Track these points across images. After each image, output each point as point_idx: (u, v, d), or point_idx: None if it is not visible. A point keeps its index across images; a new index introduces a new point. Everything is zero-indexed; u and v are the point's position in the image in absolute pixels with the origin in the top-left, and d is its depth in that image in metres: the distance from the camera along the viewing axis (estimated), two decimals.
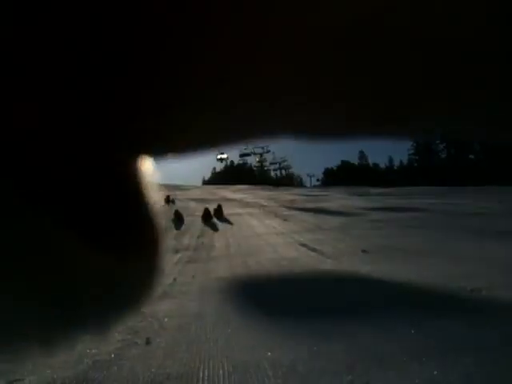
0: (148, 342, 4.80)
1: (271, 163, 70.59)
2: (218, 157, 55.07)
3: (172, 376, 3.72)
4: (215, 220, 19.21)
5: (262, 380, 3.49)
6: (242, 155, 50.16)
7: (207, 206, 20.37)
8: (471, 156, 64.73)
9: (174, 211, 19.84)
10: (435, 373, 3.38)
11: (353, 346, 4.14)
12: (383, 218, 18.27)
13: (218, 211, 21.38)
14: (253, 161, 68.32)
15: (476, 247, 9.98)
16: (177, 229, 16.96)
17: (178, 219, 18.67)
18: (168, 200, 25.01)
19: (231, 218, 18.50)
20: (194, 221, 18.01)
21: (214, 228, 17.12)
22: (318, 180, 79.01)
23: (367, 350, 4.13)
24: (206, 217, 19.75)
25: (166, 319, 5.86)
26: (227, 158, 55.80)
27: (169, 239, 15.00)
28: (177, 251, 12.75)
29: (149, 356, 4.33)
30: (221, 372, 3.75)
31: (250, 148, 49.58)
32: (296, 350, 4.25)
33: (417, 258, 9.46)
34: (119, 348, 4.68)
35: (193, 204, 24.91)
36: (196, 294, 7.66)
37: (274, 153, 69.27)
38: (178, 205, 22.98)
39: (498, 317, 4.83)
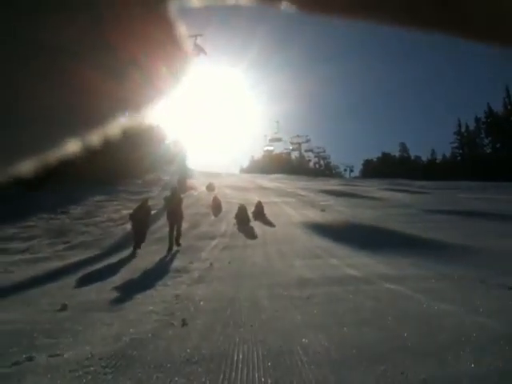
0: (184, 323, 4.87)
1: (306, 150, 69.51)
2: (265, 149, 54.99)
3: (207, 357, 3.77)
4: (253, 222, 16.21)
5: (295, 365, 3.48)
6: (272, 140, 49.34)
7: (242, 202, 17.84)
8: None
9: (212, 198, 19.86)
10: (472, 366, 3.28)
11: None
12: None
13: (258, 211, 17.48)
14: (283, 147, 67.40)
15: None
16: (215, 215, 17.07)
17: (216, 206, 18.73)
18: (211, 187, 25.31)
19: (267, 207, 18.44)
20: (230, 208, 18.11)
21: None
22: (352, 171, 77.52)
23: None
24: (242, 219, 15.89)
25: (201, 302, 5.93)
26: (273, 150, 55.40)
27: (206, 226, 15.18)
28: (213, 237, 12.90)
29: (184, 337, 4.40)
30: (255, 355, 3.76)
31: (280, 133, 49.02)
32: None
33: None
34: (156, 328, 4.78)
35: (229, 191, 25.08)
36: (231, 279, 7.73)
37: (310, 140, 68.20)
38: (216, 192, 23.16)
39: None
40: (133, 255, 10.76)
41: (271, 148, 54.92)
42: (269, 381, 3.15)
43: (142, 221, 11.63)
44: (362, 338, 4.14)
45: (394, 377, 3.13)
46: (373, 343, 3.96)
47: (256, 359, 3.67)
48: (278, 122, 50.24)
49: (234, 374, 3.34)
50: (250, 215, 16.81)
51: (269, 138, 48.33)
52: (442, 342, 3.90)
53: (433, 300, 5.50)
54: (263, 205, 17.72)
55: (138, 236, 11.50)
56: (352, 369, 3.32)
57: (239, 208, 16.54)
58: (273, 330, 4.50)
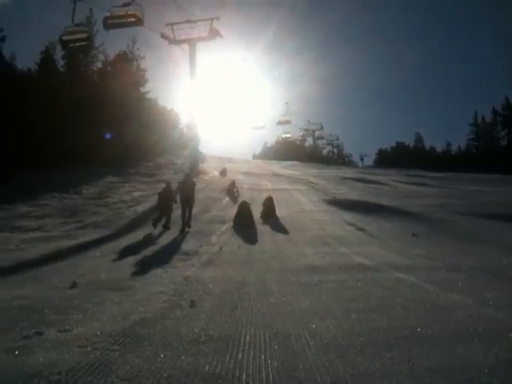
0: (192, 304, 4.90)
1: (318, 138, 68.58)
2: (283, 136, 54.28)
3: (214, 338, 3.77)
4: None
5: (302, 349, 3.46)
6: (279, 122, 47.96)
7: (254, 188, 18.08)
8: None
9: (229, 183, 19.49)
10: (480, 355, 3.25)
11: None
12: None
13: (268, 210, 13.61)
14: (298, 134, 66.19)
15: None
16: (234, 201, 16.95)
17: (233, 192, 18.51)
18: (223, 173, 25.23)
19: (279, 194, 18.34)
20: (242, 194, 18.09)
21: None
22: (362, 159, 76.38)
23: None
24: (243, 220, 12.35)
25: (210, 285, 5.96)
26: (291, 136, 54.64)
27: (217, 210, 15.19)
28: (223, 222, 12.89)
29: (192, 318, 4.42)
30: (262, 338, 3.76)
31: (289, 114, 47.89)
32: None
33: None
34: (165, 308, 4.82)
35: (242, 177, 25.00)
36: (240, 263, 7.74)
37: (323, 128, 67.17)
38: (227, 177, 23.10)
39: None
40: (145, 236, 10.82)
41: (289, 135, 54.15)
42: (275, 363, 3.15)
43: (167, 201, 12.13)
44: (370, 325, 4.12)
45: (400, 364, 3.10)
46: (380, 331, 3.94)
47: (263, 342, 3.67)
48: (287, 103, 48.76)
49: (240, 355, 3.34)
50: (257, 215, 13.35)
51: (276, 120, 47.05)
52: (451, 332, 3.86)
53: (442, 291, 5.45)
54: (276, 192, 17.34)
55: (160, 214, 12.01)
56: (358, 355, 3.30)
57: (240, 206, 13.11)
58: (281, 314, 4.50)
